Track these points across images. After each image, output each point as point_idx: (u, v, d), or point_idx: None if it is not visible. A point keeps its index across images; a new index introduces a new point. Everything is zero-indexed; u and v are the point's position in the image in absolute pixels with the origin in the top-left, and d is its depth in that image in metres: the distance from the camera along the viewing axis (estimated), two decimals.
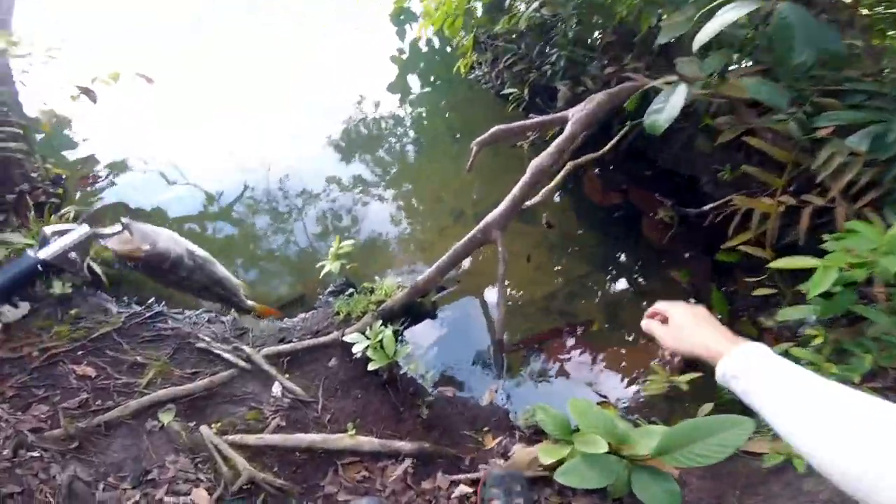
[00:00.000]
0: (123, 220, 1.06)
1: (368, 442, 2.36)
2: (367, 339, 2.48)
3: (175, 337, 2.67)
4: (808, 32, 1.89)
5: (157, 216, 3.77)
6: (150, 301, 2.89)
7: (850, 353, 2.09)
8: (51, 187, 3.46)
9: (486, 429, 2.59)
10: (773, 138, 2.78)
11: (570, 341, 3.03)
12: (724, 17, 1.95)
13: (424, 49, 6.27)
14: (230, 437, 2.31)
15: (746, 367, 1.01)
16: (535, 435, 2.56)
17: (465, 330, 3.05)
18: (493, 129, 3.08)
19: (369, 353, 2.43)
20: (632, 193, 3.89)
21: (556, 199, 3.92)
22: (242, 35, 6.24)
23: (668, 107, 2.23)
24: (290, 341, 2.62)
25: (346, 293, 2.80)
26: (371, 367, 2.41)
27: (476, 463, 2.46)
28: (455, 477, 2.38)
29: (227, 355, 2.52)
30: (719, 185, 3.37)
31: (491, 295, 3.18)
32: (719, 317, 2.91)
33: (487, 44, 5.02)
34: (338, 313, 2.67)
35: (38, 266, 1.09)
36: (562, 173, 3.15)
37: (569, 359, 2.94)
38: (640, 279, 3.49)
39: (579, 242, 3.68)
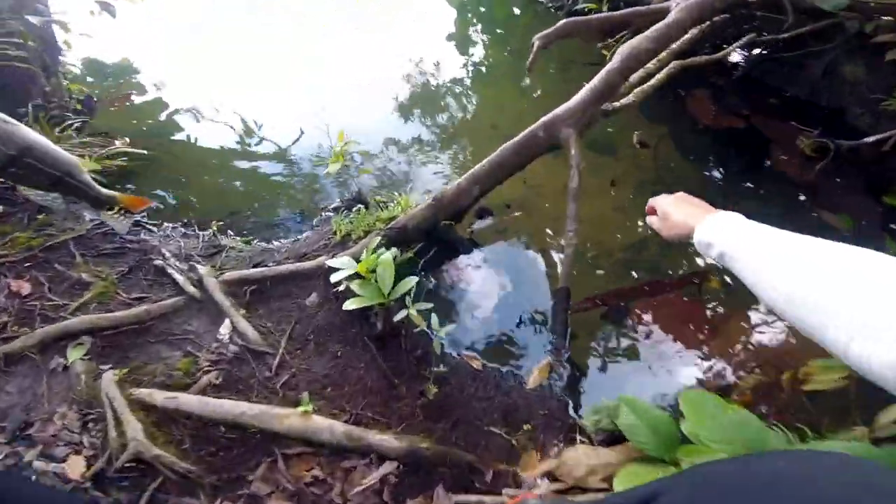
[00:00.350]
0: None
1: (329, 427, 1.52)
2: (357, 262, 1.53)
3: (138, 251, 2.00)
4: None
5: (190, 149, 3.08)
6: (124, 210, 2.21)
7: None
8: (70, 104, 3.12)
9: (526, 426, 1.63)
10: None
11: (672, 303, 1.77)
12: None
13: None
14: (136, 392, 1.51)
15: (720, 231, 0.96)
16: (610, 443, 1.48)
17: (511, 274, 2.06)
18: (561, 23, 2.26)
19: (353, 286, 1.51)
20: (755, 119, 2.90)
21: (648, 117, 2.91)
22: None
23: None
24: (267, 264, 1.73)
25: (354, 208, 1.84)
26: (348, 305, 1.51)
27: (502, 480, 1.54)
28: (464, 498, 1.48)
29: (178, 276, 1.74)
30: (879, 118, 2.70)
31: (553, 228, 2.18)
32: None
33: None
34: (335, 233, 1.74)
35: None
36: (664, 71, 2.29)
37: (668, 327, 1.72)
38: (777, 223, 2.08)
39: (683, 172, 2.65)
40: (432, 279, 1.94)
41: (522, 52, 3.37)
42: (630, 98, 2.13)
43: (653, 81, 2.24)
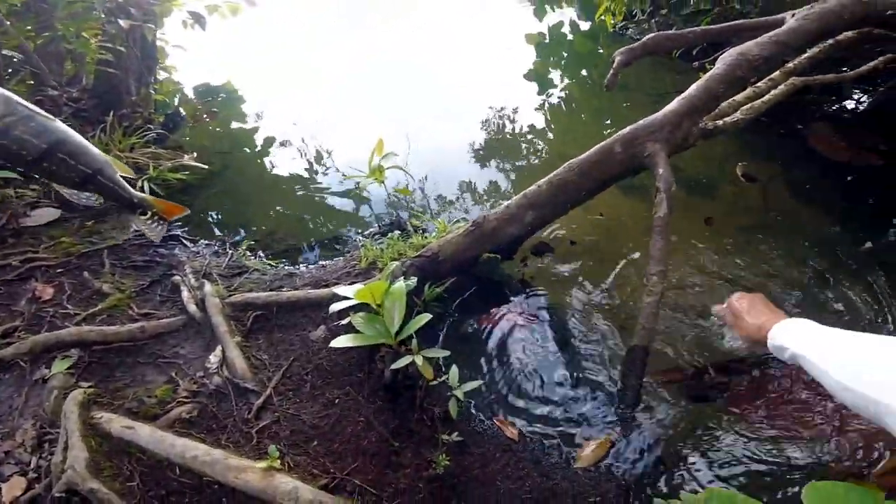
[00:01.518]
0: None
1: (292, 492, 1.17)
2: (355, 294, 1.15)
3: (165, 266, 1.74)
4: None
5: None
6: (173, 223, 1.99)
7: None
8: (155, 116, 3.11)
9: None
10: None
11: (780, 381, 1.23)
12: None
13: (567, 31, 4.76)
14: (96, 415, 1.17)
15: (793, 336, 0.94)
16: None
17: (570, 327, 1.54)
18: (649, 36, 1.86)
19: (355, 321, 1.25)
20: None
21: (756, 151, 2.33)
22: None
23: None
24: (284, 288, 1.39)
25: (388, 234, 1.48)
26: (337, 342, 1.15)
27: None
28: None
29: (184, 294, 1.41)
30: None
31: (627, 274, 1.72)
32: None
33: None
34: (361, 260, 1.37)
35: None
36: (781, 87, 1.78)
37: (773, 411, 1.15)
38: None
39: (798, 218, 2.01)
40: (471, 323, 1.47)
41: (600, 86, 2.98)
42: (737, 115, 1.63)
43: (767, 97, 1.74)
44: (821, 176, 2.24)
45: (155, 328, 1.50)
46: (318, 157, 2.86)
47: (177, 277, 1.68)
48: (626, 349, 1.33)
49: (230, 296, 1.53)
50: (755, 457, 1.22)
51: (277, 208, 2.33)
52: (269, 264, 1.74)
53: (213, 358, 1.40)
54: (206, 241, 1.98)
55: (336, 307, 1.22)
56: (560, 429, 1.29)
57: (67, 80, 3.06)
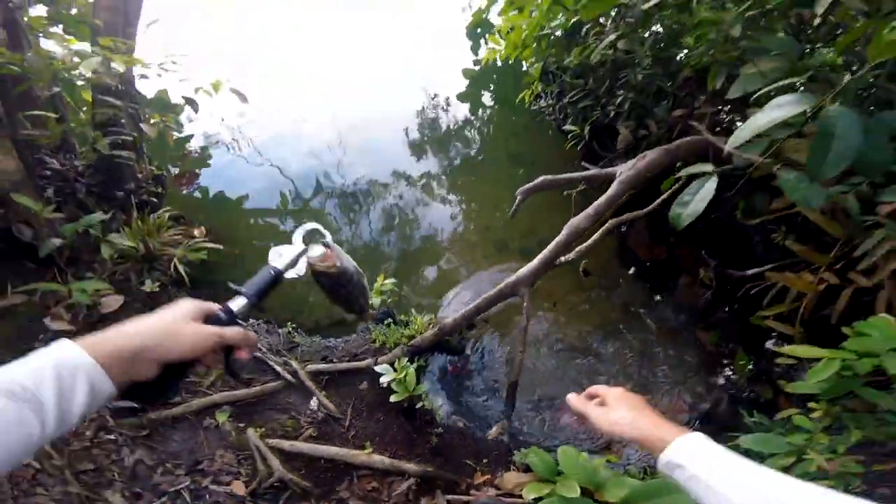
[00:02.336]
0: (325, 240, 1.05)
1: (381, 460, 2.45)
2: (394, 370, 2.52)
3: None
4: (846, 144, 1.57)
5: (238, 209, 3.94)
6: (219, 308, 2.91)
7: (845, 426, 1.92)
8: (153, 187, 3.56)
9: (485, 460, 2.62)
10: (830, 210, 2.34)
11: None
12: (771, 116, 1.65)
13: (499, 63, 5.80)
14: (270, 441, 2.44)
15: (690, 456, 0.96)
16: (529, 471, 2.54)
17: (487, 368, 3.02)
18: (539, 179, 2.87)
19: (393, 385, 2.51)
20: (679, 249, 3.35)
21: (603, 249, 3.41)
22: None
23: (694, 201, 1.93)
24: (331, 361, 2.72)
25: (385, 322, 2.80)
26: (393, 398, 2.47)
27: (469, 489, 2.50)
28: (451, 497, 2.44)
29: (277, 368, 2.63)
30: (770, 248, 2.81)
31: (513, 340, 3.07)
32: (736, 377, 2.79)
33: (556, 75, 4.34)
34: (374, 340, 2.71)
35: (277, 277, 1.04)
36: (600, 231, 2.87)
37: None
38: (670, 342, 3.10)
39: (615, 294, 3.31)
40: (442, 370, 2.88)
41: (517, 158, 4.29)
42: (572, 255, 2.89)
43: (593, 239, 2.89)
44: (633, 263, 3.43)
45: (270, 389, 2.64)
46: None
47: (258, 354, 2.78)
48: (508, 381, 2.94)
49: (304, 366, 2.73)
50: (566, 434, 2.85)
51: (298, 292, 3.22)
52: (311, 339, 2.91)
53: (313, 403, 2.64)
54: (255, 321, 2.98)
55: (384, 380, 2.55)
56: (481, 421, 2.86)
57: (54, 149, 3.30)
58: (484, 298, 2.69)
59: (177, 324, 0.84)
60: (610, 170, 2.85)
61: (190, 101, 3.41)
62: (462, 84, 5.59)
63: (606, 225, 2.84)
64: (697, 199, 1.91)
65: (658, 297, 3.20)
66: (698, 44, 2.78)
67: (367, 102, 5.39)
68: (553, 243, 2.66)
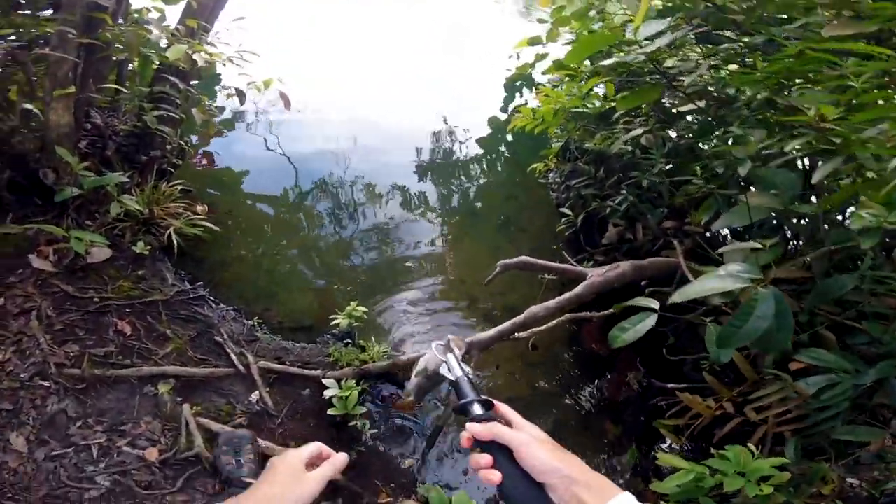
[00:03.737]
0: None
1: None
2: (339, 387, 2.38)
3: (203, 323, 2.67)
4: (757, 325, 1.59)
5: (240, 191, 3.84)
6: (198, 283, 2.78)
7: None
8: (174, 158, 3.49)
9: (392, 485, 2.43)
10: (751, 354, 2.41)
11: None
12: (703, 286, 1.70)
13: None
14: (200, 419, 2.25)
15: None
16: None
17: (420, 405, 2.74)
18: (521, 259, 2.78)
19: (334, 400, 2.37)
20: (621, 352, 2.89)
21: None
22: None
23: (633, 330, 1.93)
24: (284, 363, 2.50)
25: (344, 341, 2.67)
26: (331, 411, 2.34)
27: None
28: None
29: (233, 356, 2.52)
30: (698, 370, 2.63)
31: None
32: (621, 468, 2.70)
33: (572, 154, 4.05)
34: (329, 355, 2.59)
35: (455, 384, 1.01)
36: (556, 321, 2.73)
37: None
38: (582, 424, 2.89)
39: (552, 372, 3.08)
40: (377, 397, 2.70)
41: (510, 221, 4.05)
42: (524, 334, 2.68)
43: (546, 327, 2.68)
44: (577, 351, 3.18)
45: (219, 373, 2.49)
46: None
47: (218, 338, 2.62)
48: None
49: (258, 360, 2.56)
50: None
51: (273, 289, 3.12)
52: (271, 337, 2.75)
53: (254, 397, 2.48)
54: (226, 307, 2.85)
55: (329, 393, 2.39)
56: (403, 448, 2.64)
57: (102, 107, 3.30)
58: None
59: (306, 485, 0.86)
60: (582, 270, 2.79)
61: (239, 93, 3.35)
62: (485, 129, 5.34)
63: (563, 317, 2.76)
64: (636, 329, 1.95)
65: (587, 385, 3.05)
66: (704, 174, 2.69)
67: (389, 106, 5.26)
68: (511, 322, 2.58)
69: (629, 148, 3.24)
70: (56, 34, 2.64)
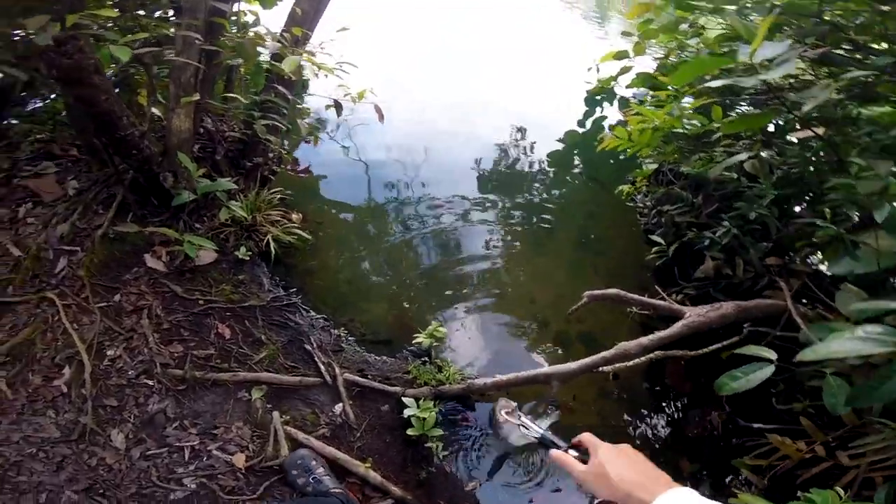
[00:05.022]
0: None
1: (374, 476, 2.22)
2: (418, 407, 2.34)
3: (294, 330, 2.59)
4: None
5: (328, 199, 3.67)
6: (291, 290, 2.69)
7: None
8: (274, 164, 3.41)
9: None
10: None
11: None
12: (841, 347, 1.35)
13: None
14: (288, 428, 2.19)
15: None
16: None
17: (487, 430, 2.55)
18: (612, 291, 2.52)
19: (412, 420, 2.27)
20: (705, 390, 2.75)
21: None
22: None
23: (745, 380, 1.65)
24: (367, 376, 2.44)
25: (422, 358, 2.57)
26: (409, 431, 2.27)
27: None
28: None
29: (321, 366, 2.44)
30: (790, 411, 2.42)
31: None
32: None
33: (665, 177, 3.63)
34: (408, 372, 2.45)
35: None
36: (644, 358, 2.39)
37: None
38: (658, 458, 2.48)
39: (628, 404, 2.77)
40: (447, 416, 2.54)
41: (590, 243, 3.61)
42: (609, 369, 2.40)
43: (634, 362, 2.37)
44: (661, 387, 2.85)
45: (307, 383, 2.41)
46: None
47: (308, 347, 2.53)
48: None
49: (344, 373, 2.43)
50: None
51: (354, 299, 2.98)
52: (355, 349, 2.63)
53: (337, 408, 2.38)
54: (315, 315, 2.79)
55: (407, 413, 2.25)
56: (467, 469, 2.44)
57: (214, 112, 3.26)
58: (516, 377, 2.44)
59: None
60: (679, 308, 2.50)
61: (337, 105, 3.17)
62: (553, 140, 4.83)
63: (652, 354, 2.42)
64: (748, 379, 1.67)
65: (664, 420, 2.72)
66: (835, 217, 2.28)
67: (460, 113, 4.93)
68: (599, 356, 2.34)
69: (733, 175, 2.85)
70: (180, 38, 2.59)
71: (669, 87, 3.01)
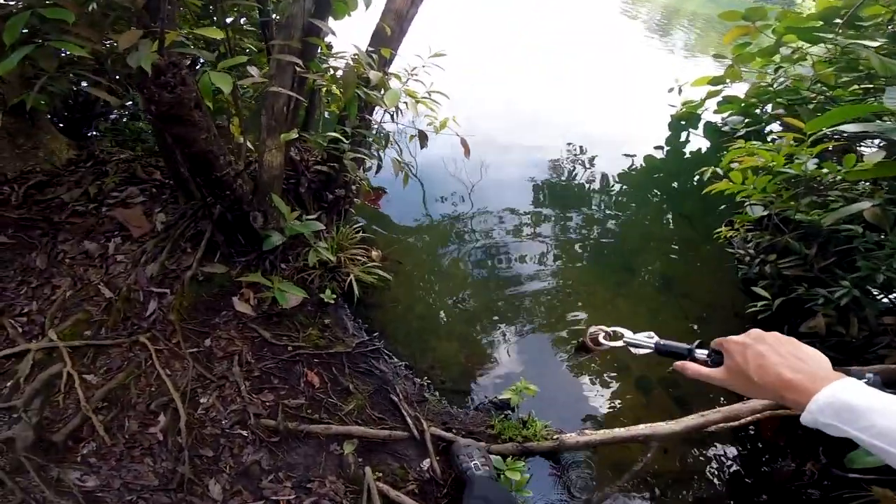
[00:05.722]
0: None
1: None
2: (505, 464, 2.26)
3: (379, 378, 2.52)
4: None
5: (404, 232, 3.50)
6: (374, 334, 2.60)
7: None
8: (354, 196, 3.24)
9: None
10: None
11: None
12: None
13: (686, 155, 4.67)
14: (380, 485, 2.12)
15: (840, 414, 0.64)
16: None
17: (576, 481, 2.41)
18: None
19: (501, 479, 2.15)
20: (801, 442, 2.57)
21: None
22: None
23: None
24: (451, 430, 2.33)
25: (504, 411, 2.44)
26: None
27: None
28: None
29: (409, 420, 2.35)
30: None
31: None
32: None
33: (769, 222, 3.18)
34: (492, 426, 2.34)
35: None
36: (749, 418, 2.29)
37: None
38: None
39: (713, 451, 2.55)
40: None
41: (672, 283, 3.26)
42: (712, 428, 2.35)
43: (738, 423, 2.31)
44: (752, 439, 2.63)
45: (396, 437, 2.33)
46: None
47: (394, 398, 2.45)
48: None
49: (430, 427, 2.34)
50: None
51: (443, 349, 2.82)
52: (438, 399, 2.54)
53: (425, 463, 2.30)
54: (398, 362, 2.70)
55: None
56: None
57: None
58: (613, 435, 2.36)
59: None
60: None
61: (422, 136, 2.96)
62: (618, 158, 4.44)
63: (760, 415, 2.29)
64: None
65: (752, 470, 2.51)
66: None
67: (517, 125, 4.67)
68: (705, 418, 2.27)
69: (856, 228, 2.53)
70: (274, 62, 2.31)
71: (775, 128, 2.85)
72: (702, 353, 0.88)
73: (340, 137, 2.75)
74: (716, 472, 2.55)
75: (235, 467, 2.19)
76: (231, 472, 2.17)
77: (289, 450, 2.27)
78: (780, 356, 0.73)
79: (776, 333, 0.78)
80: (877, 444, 0.60)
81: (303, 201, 2.92)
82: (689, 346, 0.91)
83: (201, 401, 2.34)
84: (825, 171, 2.60)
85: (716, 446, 2.62)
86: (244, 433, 2.26)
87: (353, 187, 3.11)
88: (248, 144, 2.63)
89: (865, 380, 0.70)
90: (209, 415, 2.31)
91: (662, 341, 0.99)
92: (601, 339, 1.27)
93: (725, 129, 4.66)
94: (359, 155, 2.81)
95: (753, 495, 2.50)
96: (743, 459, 2.61)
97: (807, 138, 2.60)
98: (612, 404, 2.74)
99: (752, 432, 2.69)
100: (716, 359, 0.85)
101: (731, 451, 2.63)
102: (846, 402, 0.63)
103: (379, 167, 3.76)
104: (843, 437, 0.66)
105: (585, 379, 2.89)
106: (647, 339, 1.02)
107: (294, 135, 2.48)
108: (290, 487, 2.19)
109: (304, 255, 2.67)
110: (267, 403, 2.35)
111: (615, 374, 2.88)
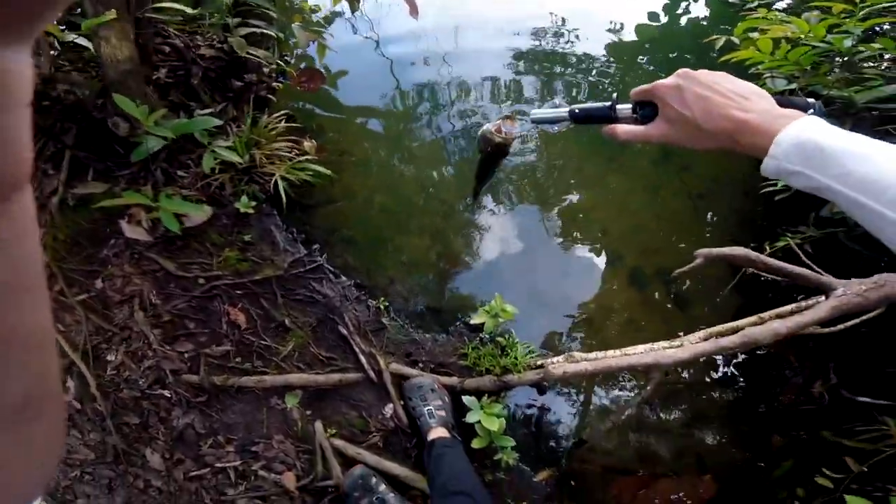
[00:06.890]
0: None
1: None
2: (482, 409, 1.76)
3: (324, 306, 1.92)
4: None
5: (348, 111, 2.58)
6: (313, 247, 1.94)
7: None
8: (274, 81, 2.40)
9: (524, 502, 1.86)
10: None
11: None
12: None
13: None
14: (335, 442, 1.79)
15: (809, 159, 0.50)
16: None
17: (558, 413, 2.00)
18: (730, 250, 1.76)
19: (476, 428, 1.77)
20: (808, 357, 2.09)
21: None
22: None
23: None
24: (416, 362, 1.86)
25: (479, 335, 1.83)
26: (474, 444, 1.71)
27: None
28: None
29: (362, 359, 1.80)
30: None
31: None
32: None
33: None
34: (465, 355, 1.80)
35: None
36: (770, 342, 1.68)
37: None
38: (748, 433, 1.99)
39: (723, 369, 2.12)
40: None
41: (672, 159, 2.47)
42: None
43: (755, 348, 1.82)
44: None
45: (348, 380, 1.85)
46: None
47: (343, 330, 1.88)
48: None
49: (390, 364, 1.83)
50: None
51: (402, 258, 2.15)
52: (399, 325, 1.97)
53: (388, 409, 1.85)
54: (347, 281, 2.03)
55: (469, 419, 1.72)
56: (534, 459, 2.00)
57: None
58: (607, 363, 1.79)
59: None
60: (829, 279, 1.71)
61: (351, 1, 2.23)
62: (602, 30, 3.19)
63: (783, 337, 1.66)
64: None
65: (761, 388, 2.05)
66: None
67: None
68: (720, 345, 1.68)
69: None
70: None
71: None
72: (625, 109, 0.74)
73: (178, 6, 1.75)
74: (717, 389, 2.06)
75: (168, 433, 1.75)
76: (165, 440, 1.75)
77: (222, 409, 1.81)
78: (723, 96, 0.59)
79: (705, 70, 0.63)
80: (852, 195, 0.49)
81: (196, 93, 2.03)
82: (608, 104, 0.76)
83: (108, 359, 1.83)
84: (877, 45, 1.82)
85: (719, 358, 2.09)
86: (167, 394, 1.76)
87: (266, 70, 2.17)
88: (74, 37, 1.62)
89: (812, 110, 0.60)
90: (121, 375, 1.80)
91: (578, 107, 0.81)
92: (504, 129, 1.14)
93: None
94: (253, 30, 1.91)
95: (758, 415, 2.01)
96: (748, 374, 2.08)
97: (857, 8, 1.85)
98: (604, 304, 2.15)
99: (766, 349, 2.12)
100: (646, 112, 0.70)
101: (737, 363, 2.11)
102: (816, 143, 0.51)
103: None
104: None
105: (576, 269, 2.25)
106: (559, 112, 0.84)
107: (110, 16, 1.49)
108: (233, 452, 1.79)
109: (203, 164, 1.89)
110: (185, 355, 1.79)
111: (608, 267, 2.22)
